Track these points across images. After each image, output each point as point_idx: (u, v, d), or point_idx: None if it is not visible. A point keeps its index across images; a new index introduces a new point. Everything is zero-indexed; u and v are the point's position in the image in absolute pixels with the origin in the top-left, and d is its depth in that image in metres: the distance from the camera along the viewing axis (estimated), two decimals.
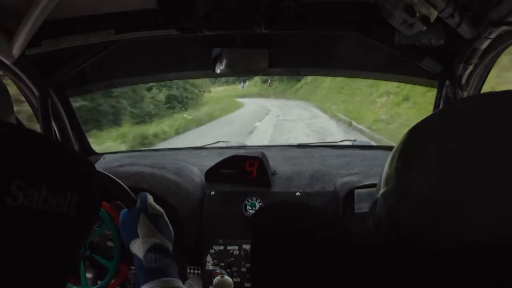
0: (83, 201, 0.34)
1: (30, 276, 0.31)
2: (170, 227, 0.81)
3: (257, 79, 20.12)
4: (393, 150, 0.41)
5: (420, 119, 0.39)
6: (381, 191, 0.40)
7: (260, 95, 20.87)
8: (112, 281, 0.84)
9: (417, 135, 0.38)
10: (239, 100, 17.65)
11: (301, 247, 0.27)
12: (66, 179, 0.33)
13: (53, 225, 0.32)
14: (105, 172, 0.83)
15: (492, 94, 0.35)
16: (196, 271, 1.14)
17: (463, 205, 0.30)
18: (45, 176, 0.31)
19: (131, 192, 0.82)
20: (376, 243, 0.33)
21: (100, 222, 0.88)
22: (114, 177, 0.82)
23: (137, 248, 0.74)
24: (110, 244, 0.89)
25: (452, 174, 0.32)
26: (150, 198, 0.81)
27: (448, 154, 0.33)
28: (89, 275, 0.87)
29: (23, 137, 0.32)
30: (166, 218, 0.81)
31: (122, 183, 0.82)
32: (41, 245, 0.31)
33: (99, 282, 0.86)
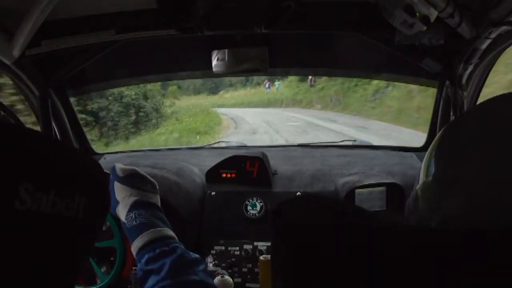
0: (91, 204, 0.34)
1: (39, 280, 0.30)
2: (148, 178, 0.79)
3: (291, 77, 13.80)
4: (433, 143, 0.41)
5: None
6: (419, 185, 0.40)
7: (293, 102, 13.81)
8: (126, 260, 0.84)
9: (457, 132, 0.39)
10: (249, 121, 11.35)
11: (334, 237, 0.26)
12: (74, 182, 0.33)
13: (61, 229, 0.31)
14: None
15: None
16: None
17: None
18: (53, 179, 0.31)
19: (100, 166, 0.81)
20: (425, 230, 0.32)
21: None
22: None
23: (121, 212, 0.73)
24: (104, 228, 0.89)
25: (502, 165, 0.32)
26: (119, 164, 0.80)
27: (495, 144, 0.33)
28: (103, 269, 0.87)
29: (30, 139, 0.32)
30: (141, 172, 0.79)
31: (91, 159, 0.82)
32: (49, 249, 0.31)
33: (112, 269, 0.86)
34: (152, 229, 0.69)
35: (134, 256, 0.68)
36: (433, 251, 0.25)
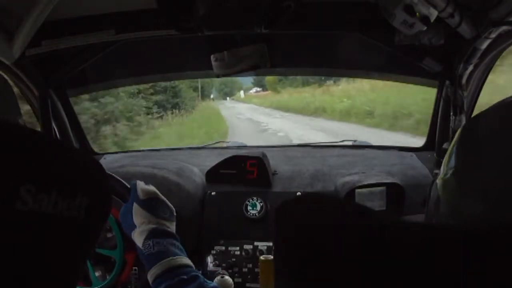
0: (93, 205, 0.33)
1: (40, 280, 0.30)
2: (167, 204, 0.79)
3: None
4: (452, 143, 0.40)
5: None
6: (441, 176, 0.40)
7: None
8: (122, 272, 0.84)
9: (474, 131, 0.38)
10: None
11: (337, 236, 0.26)
12: (76, 182, 0.33)
13: (63, 229, 0.31)
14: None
15: None
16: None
17: None
18: (54, 179, 0.31)
19: (124, 182, 0.81)
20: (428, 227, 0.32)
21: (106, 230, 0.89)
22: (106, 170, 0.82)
23: (137, 238, 0.74)
24: (110, 235, 0.89)
25: None
26: (141, 184, 0.80)
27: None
28: (97, 273, 0.87)
29: (31, 139, 0.32)
30: (161, 197, 0.80)
31: (115, 176, 0.82)
32: (51, 250, 0.31)
33: (108, 276, 0.86)
34: (170, 257, 0.70)
35: (150, 283, 0.70)
36: (442, 249, 0.25)
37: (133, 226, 0.75)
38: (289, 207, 0.31)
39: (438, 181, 0.41)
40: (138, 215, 0.75)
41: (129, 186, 0.81)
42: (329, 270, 0.25)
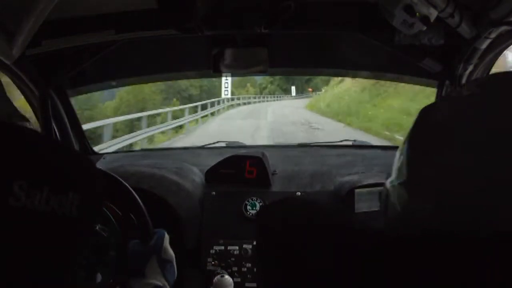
0: (85, 202, 0.34)
1: (32, 276, 0.30)
2: (176, 272, 0.80)
3: None
4: (405, 137, 0.38)
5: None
6: (391, 180, 0.38)
7: None
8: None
9: (428, 122, 0.36)
10: None
11: (309, 241, 0.27)
12: (68, 179, 0.33)
13: (55, 225, 0.32)
14: (133, 194, 0.80)
15: (495, 75, 0.35)
16: (193, 274, 1.14)
17: (497, 199, 0.28)
18: (47, 176, 0.31)
19: (150, 225, 0.80)
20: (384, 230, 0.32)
21: (105, 225, 0.88)
22: (140, 202, 0.80)
23: (138, 286, 0.74)
24: (112, 253, 0.89)
25: (481, 164, 0.29)
26: (167, 240, 0.79)
27: (468, 138, 0.31)
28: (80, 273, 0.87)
29: (24, 136, 0.32)
30: (175, 264, 0.80)
31: (145, 211, 0.80)
32: (43, 246, 0.31)
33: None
34: None
35: None
36: (399, 256, 0.25)
37: (140, 274, 0.75)
38: (268, 210, 0.32)
39: (390, 178, 0.39)
40: (151, 268, 0.75)
41: (151, 231, 0.79)
42: (303, 270, 0.26)
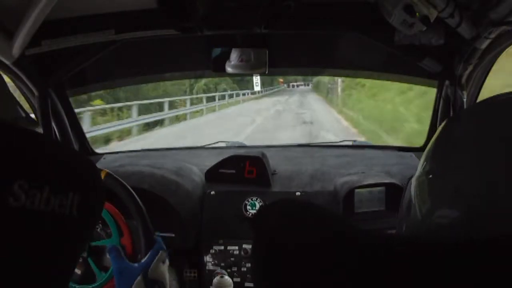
0: (85, 202, 0.34)
1: (31, 277, 0.30)
2: None
3: None
4: (426, 150, 0.39)
5: None
6: (415, 182, 0.38)
7: None
8: None
9: (450, 133, 0.36)
10: None
11: (307, 245, 0.27)
12: (68, 179, 0.33)
13: (55, 226, 0.32)
14: (140, 205, 0.81)
15: None
16: (193, 274, 1.14)
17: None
18: (47, 176, 0.31)
19: (151, 230, 0.79)
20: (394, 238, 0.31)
21: (105, 226, 0.88)
22: (146, 216, 0.79)
23: None
24: (101, 227, 0.89)
25: (494, 172, 0.30)
26: (161, 257, 0.77)
27: (488, 151, 0.31)
28: (77, 271, 0.87)
29: (24, 136, 0.32)
30: (166, 283, 0.77)
31: (147, 216, 0.80)
32: (43, 246, 0.31)
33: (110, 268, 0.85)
34: None
35: None
36: (414, 263, 0.25)
37: None
38: (264, 213, 0.32)
39: (413, 181, 0.40)
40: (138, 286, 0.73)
41: (153, 239, 0.79)
42: (299, 274, 0.26)
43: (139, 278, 0.73)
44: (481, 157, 0.32)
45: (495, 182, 0.30)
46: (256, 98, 16.58)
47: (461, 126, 0.36)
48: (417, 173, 0.39)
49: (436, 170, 0.36)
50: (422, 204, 0.36)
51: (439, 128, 0.38)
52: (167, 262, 0.79)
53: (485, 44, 0.99)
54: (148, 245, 0.78)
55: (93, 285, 0.85)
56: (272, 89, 21.70)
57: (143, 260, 0.76)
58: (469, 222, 0.31)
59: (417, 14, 0.89)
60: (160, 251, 0.77)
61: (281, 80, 19.98)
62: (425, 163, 0.38)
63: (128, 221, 0.86)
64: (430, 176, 0.36)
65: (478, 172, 0.31)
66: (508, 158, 0.30)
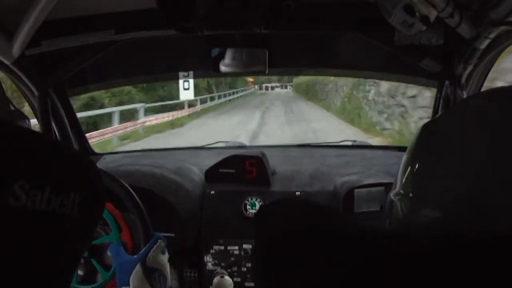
0: (86, 202, 0.34)
1: (33, 277, 0.30)
2: (168, 281, 0.78)
3: None
4: (407, 149, 0.39)
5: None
6: (395, 192, 0.38)
7: None
8: None
9: (431, 135, 0.37)
10: None
11: (308, 244, 0.27)
12: (69, 179, 0.33)
13: (56, 226, 0.32)
14: (136, 199, 0.81)
15: (501, 89, 0.35)
16: (193, 274, 1.14)
17: (491, 206, 0.28)
18: (48, 176, 0.31)
19: (150, 226, 0.79)
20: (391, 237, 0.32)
21: (105, 225, 0.88)
22: (139, 203, 0.80)
23: None
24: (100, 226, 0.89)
25: (475, 174, 0.30)
26: (158, 247, 0.77)
27: (469, 152, 0.31)
28: (80, 272, 0.87)
29: (24, 136, 0.32)
30: (166, 273, 0.78)
31: (144, 212, 0.80)
32: (44, 246, 0.31)
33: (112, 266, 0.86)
34: None
35: None
36: (404, 259, 0.25)
37: (127, 284, 0.74)
38: (265, 212, 0.32)
39: (393, 191, 0.40)
40: (136, 277, 0.73)
41: (150, 232, 0.79)
42: (299, 274, 0.26)
43: (137, 266, 0.74)
44: (466, 156, 0.32)
45: (480, 180, 0.30)
46: (191, 118, 9.97)
47: (443, 127, 0.37)
48: (397, 180, 0.39)
49: (418, 170, 0.36)
50: (405, 204, 0.37)
51: (420, 128, 0.38)
52: (166, 254, 0.79)
53: (485, 44, 0.99)
54: (146, 235, 0.78)
55: (97, 284, 0.85)
56: (233, 94, 13.06)
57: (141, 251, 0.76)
58: (453, 222, 0.31)
59: (417, 14, 0.89)
60: (159, 241, 0.78)
61: (250, 80, 15.59)
62: (406, 163, 0.38)
63: (125, 214, 0.86)
64: (413, 176, 0.36)
65: (463, 171, 0.31)
66: (490, 155, 0.30)
